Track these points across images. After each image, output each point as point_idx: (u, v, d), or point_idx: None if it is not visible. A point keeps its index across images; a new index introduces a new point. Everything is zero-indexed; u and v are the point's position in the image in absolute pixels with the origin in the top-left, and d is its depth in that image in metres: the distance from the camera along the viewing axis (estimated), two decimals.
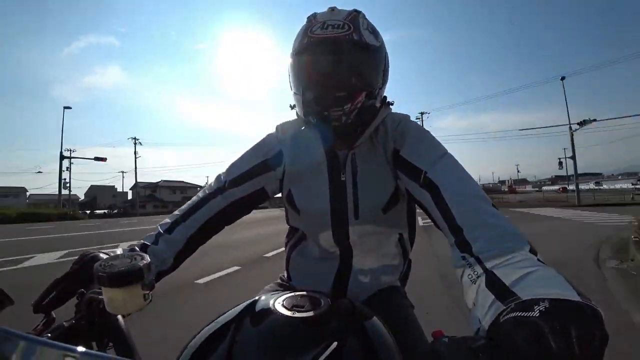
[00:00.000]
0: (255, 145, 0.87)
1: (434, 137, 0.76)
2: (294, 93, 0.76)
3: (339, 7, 0.75)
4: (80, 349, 0.36)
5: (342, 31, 0.68)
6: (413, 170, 0.70)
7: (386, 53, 0.76)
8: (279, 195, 0.89)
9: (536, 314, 0.33)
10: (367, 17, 0.75)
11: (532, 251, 0.51)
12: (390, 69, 0.79)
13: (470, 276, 0.51)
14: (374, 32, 0.73)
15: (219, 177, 0.85)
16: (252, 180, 0.83)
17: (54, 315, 0.61)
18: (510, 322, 0.35)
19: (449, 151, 0.71)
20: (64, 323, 0.60)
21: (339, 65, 0.69)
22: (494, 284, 0.45)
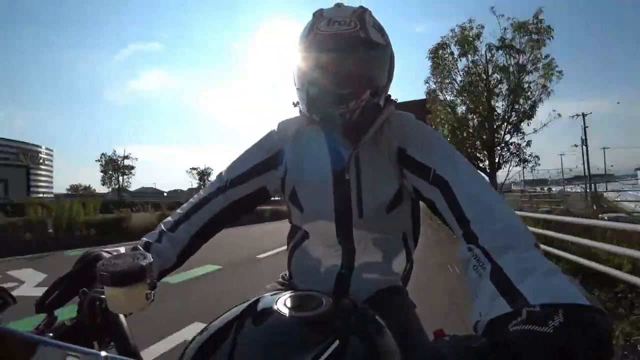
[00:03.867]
0: (257, 143, 0.87)
1: (441, 136, 0.76)
2: (297, 89, 0.75)
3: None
4: (82, 348, 0.36)
5: (349, 28, 0.67)
6: (422, 168, 0.69)
7: (392, 52, 0.75)
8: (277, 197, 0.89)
9: (550, 329, 0.33)
10: (373, 15, 0.74)
11: (537, 247, 0.51)
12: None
13: (475, 267, 0.51)
14: (381, 30, 0.72)
15: (220, 175, 0.85)
16: (253, 180, 0.83)
17: (56, 315, 0.61)
18: (521, 335, 0.34)
19: (456, 150, 0.71)
20: (66, 322, 0.60)
21: (344, 63, 0.68)
22: (499, 277, 0.45)
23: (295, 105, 0.80)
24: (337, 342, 0.47)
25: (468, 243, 0.55)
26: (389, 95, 0.80)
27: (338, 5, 0.73)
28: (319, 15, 0.72)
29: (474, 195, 0.60)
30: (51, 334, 0.56)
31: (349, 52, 0.68)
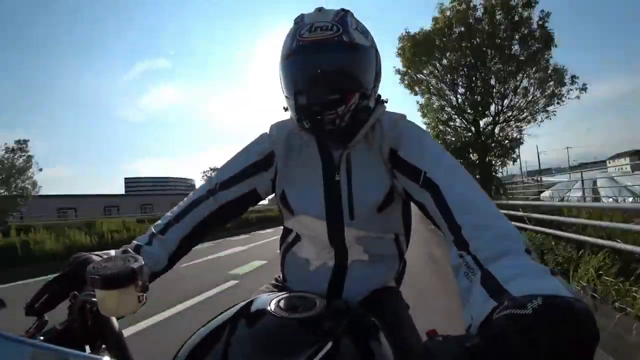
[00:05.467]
0: (248, 145, 0.86)
1: (432, 137, 0.77)
2: (286, 97, 0.75)
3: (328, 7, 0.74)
4: (73, 351, 0.35)
5: (331, 33, 0.67)
6: (412, 170, 0.70)
7: (377, 52, 0.76)
8: (272, 195, 0.88)
9: (529, 311, 0.34)
10: (355, 16, 0.74)
11: (528, 251, 0.51)
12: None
13: (466, 274, 0.51)
14: (364, 32, 0.72)
15: (211, 178, 0.85)
16: (243, 182, 0.82)
17: (46, 318, 0.60)
18: (502, 319, 0.35)
19: (447, 152, 0.72)
20: (57, 326, 0.59)
21: (330, 68, 0.68)
22: (489, 282, 0.46)
23: (285, 110, 0.80)
24: (330, 344, 0.47)
25: (459, 249, 0.55)
26: (379, 96, 0.80)
27: (319, 10, 0.72)
28: (300, 21, 0.71)
29: (465, 200, 0.61)
30: (42, 338, 0.55)
31: (334, 58, 0.68)
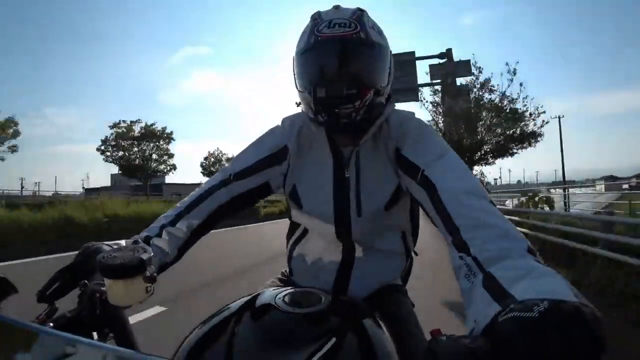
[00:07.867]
0: (261, 138, 0.87)
1: (436, 135, 0.76)
2: (300, 91, 0.75)
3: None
4: (81, 339, 0.36)
5: (350, 30, 0.68)
6: (412, 168, 0.70)
7: (391, 52, 0.76)
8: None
9: (535, 314, 0.33)
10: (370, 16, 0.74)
11: (530, 251, 0.50)
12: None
13: (467, 276, 0.50)
14: (379, 31, 0.73)
15: (224, 169, 0.85)
16: (258, 174, 0.83)
17: (57, 305, 0.62)
18: (509, 322, 0.34)
19: (451, 150, 0.71)
20: (67, 313, 0.60)
21: (349, 64, 0.69)
22: (491, 284, 0.45)
23: (298, 105, 0.80)
24: (333, 340, 0.47)
25: (459, 251, 0.54)
26: (390, 95, 0.80)
27: (336, 7, 0.73)
28: (317, 17, 0.72)
29: (461, 198, 0.60)
30: (52, 324, 0.56)
31: (352, 53, 0.69)
